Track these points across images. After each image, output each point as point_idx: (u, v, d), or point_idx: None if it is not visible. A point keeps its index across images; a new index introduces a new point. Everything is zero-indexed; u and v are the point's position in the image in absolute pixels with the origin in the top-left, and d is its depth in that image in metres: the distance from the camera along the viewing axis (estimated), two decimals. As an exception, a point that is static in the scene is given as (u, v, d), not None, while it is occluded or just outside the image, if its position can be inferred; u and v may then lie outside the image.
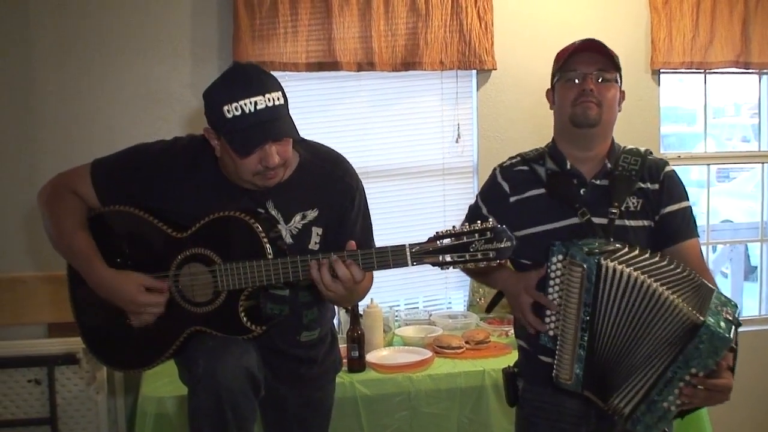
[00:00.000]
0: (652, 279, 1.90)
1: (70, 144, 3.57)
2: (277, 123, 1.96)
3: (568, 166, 2.20)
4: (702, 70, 4.28)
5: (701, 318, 1.83)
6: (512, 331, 3.44)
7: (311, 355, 2.33)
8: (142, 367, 2.24)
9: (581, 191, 2.18)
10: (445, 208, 4.02)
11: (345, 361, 3.01)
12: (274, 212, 2.13)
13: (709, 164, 4.55)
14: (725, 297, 2.00)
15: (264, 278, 1.98)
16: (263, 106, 1.93)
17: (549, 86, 2.28)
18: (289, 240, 2.13)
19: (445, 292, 4.13)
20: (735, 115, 7.28)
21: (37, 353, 3.26)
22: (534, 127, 3.94)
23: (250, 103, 1.92)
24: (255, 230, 2.00)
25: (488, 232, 1.82)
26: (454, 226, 1.87)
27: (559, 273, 2.02)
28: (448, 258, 1.85)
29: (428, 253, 1.87)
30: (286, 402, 2.35)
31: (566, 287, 1.99)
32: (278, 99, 1.97)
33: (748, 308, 5.60)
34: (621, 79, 2.21)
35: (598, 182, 2.18)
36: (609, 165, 2.19)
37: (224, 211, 2.04)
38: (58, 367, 3.25)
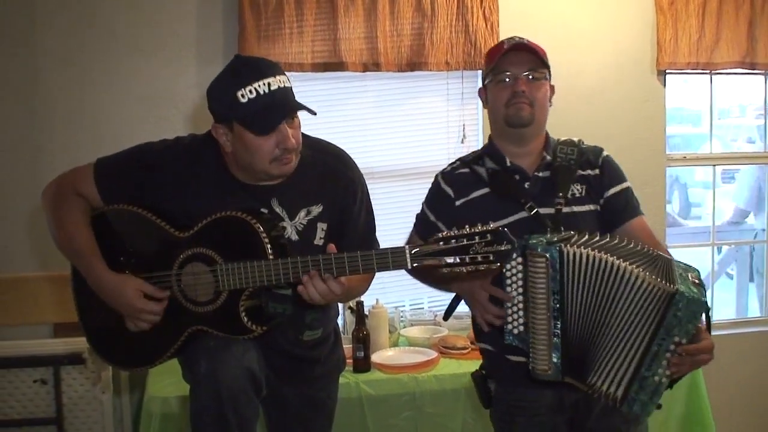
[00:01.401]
0: (613, 256, 1.93)
1: (75, 144, 3.57)
2: (291, 101, 2.01)
3: (508, 163, 2.25)
4: (708, 71, 4.27)
5: (674, 287, 1.85)
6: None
7: (314, 355, 2.33)
8: (144, 366, 2.25)
9: (525, 185, 2.22)
10: (451, 208, 4.01)
11: (350, 361, 3.02)
12: (278, 209, 2.13)
13: (714, 165, 4.55)
14: (684, 264, 2.03)
15: (264, 278, 1.98)
16: (276, 87, 1.97)
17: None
18: (294, 236, 2.14)
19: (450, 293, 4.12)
20: (740, 116, 7.27)
21: (43, 353, 3.26)
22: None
23: (264, 84, 1.96)
24: (256, 230, 2.00)
25: (488, 235, 1.82)
26: (454, 229, 1.87)
27: (515, 270, 2.03)
28: (448, 260, 1.86)
29: (428, 255, 1.87)
30: (289, 402, 2.35)
31: (531, 280, 2.00)
32: (287, 82, 2.02)
33: (753, 310, 5.59)
34: (550, 75, 2.26)
35: (540, 174, 2.23)
36: (548, 157, 2.24)
37: (226, 210, 2.05)
38: (63, 367, 3.25)
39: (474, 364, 3.15)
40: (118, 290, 2.07)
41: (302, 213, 2.16)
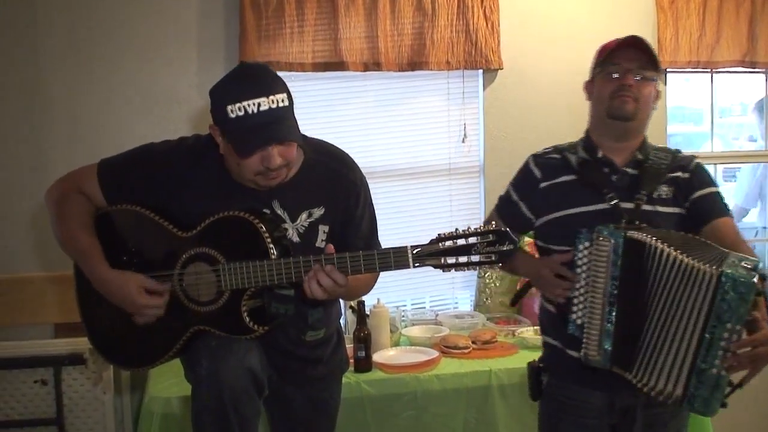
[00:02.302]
0: (679, 251, 1.92)
1: (77, 145, 3.57)
2: (279, 125, 1.96)
3: (600, 155, 2.24)
4: (708, 70, 4.27)
5: (718, 269, 1.83)
6: (519, 330, 3.49)
7: (317, 355, 2.33)
8: (147, 366, 2.25)
9: (612, 178, 2.22)
10: (452, 208, 4.02)
11: (351, 361, 3.01)
12: (280, 211, 2.13)
13: (716, 164, 4.55)
14: (744, 256, 1.98)
15: (267, 278, 1.98)
16: (266, 107, 1.93)
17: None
18: (296, 238, 2.13)
19: (451, 292, 4.12)
20: (741, 114, 7.25)
21: (44, 354, 3.25)
22: (541, 125, 3.93)
23: (254, 104, 1.92)
24: (259, 230, 2.00)
25: (491, 235, 1.82)
26: (456, 228, 1.86)
27: (585, 260, 2.05)
28: (450, 260, 1.85)
29: (430, 255, 1.87)
30: (292, 402, 2.35)
31: (594, 263, 2.02)
32: (282, 101, 1.97)
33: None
34: (658, 79, 2.25)
35: (629, 170, 2.23)
36: (640, 156, 2.23)
37: (229, 210, 2.05)
38: (64, 367, 3.24)
39: (476, 364, 3.18)
40: (120, 287, 2.07)
41: (304, 215, 2.15)
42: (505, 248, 1.81)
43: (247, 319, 2.03)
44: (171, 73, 3.69)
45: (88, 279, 2.14)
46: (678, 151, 2.29)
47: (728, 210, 2.23)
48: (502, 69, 3.92)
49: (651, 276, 1.97)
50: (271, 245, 1.99)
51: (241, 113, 1.92)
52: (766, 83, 4.50)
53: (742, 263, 1.88)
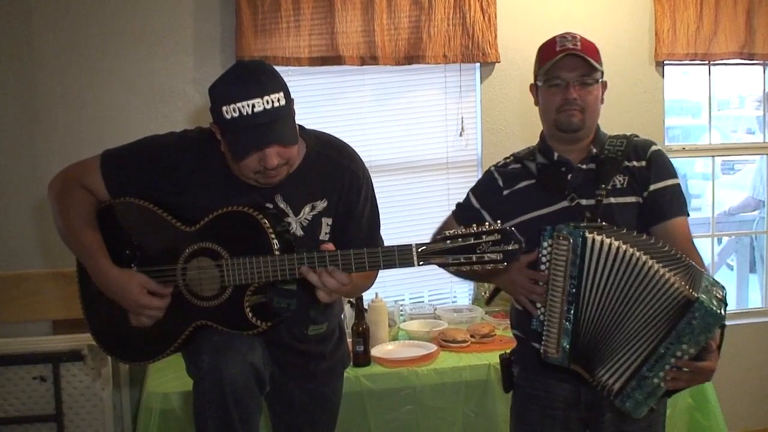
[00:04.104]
0: (642, 252, 1.92)
1: (75, 141, 3.58)
2: (274, 127, 1.94)
3: (555, 157, 2.26)
4: (706, 62, 4.27)
5: (695, 294, 1.84)
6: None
7: (319, 350, 2.33)
8: (148, 360, 2.24)
9: (569, 177, 2.23)
10: (449, 201, 4.01)
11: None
12: (283, 205, 2.12)
13: (713, 156, 4.55)
14: (713, 279, 2.02)
15: (270, 274, 1.97)
16: (261, 108, 1.91)
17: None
18: (299, 232, 2.13)
19: (450, 286, 4.13)
20: (739, 107, 7.25)
21: (43, 350, 3.25)
22: (538, 119, 3.92)
23: (248, 105, 1.90)
24: (263, 225, 1.99)
25: (496, 234, 1.81)
26: (462, 227, 1.86)
27: (549, 257, 2.05)
28: (454, 259, 1.85)
29: (435, 253, 1.85)
30: (294, 397, 2.35)
31: (554, 261, 2.02)
32: (278, 100, 1.94)
33: (754, 301, 5.59)
34: (602, 73, 2.23)
35: (584, 167, 2.24)
36: (594, 150, 2.24)
37: (232, 205, 2.04)
38: (63, 363, 3.24)
39: (474, 357, 3.19)
40: (122, 286, 2.07)
41: (307, 208, 2.15)
42: (510, 248, 1.81)
43: (250, 315, 2.03)
44: (167, 69, 3.69)
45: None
46: (635, 136, 2.28)
47: (685, 208, 2.22)
48: (499, 62, 3.92)
49: (613, 277, 1.95)
50: (275, 240, 1.98)
51: (236, 114, 1.90)
52: (764, 75, 4.49)
53: (714, 291, 1.92)
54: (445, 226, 2.39)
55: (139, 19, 3.65)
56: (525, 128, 3.92)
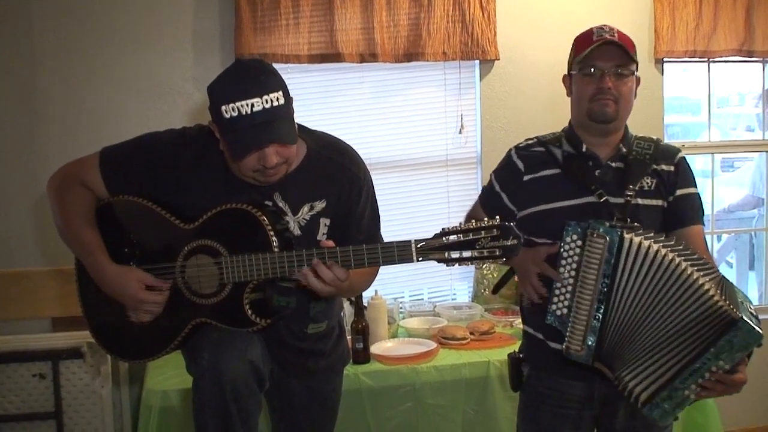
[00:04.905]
0: (682, 258, 1.93)
1: (75, 138, 3.57)
2: (273, 126, 1.93)
3: (584, 149, 2.24)
4: (706, 59, 4.26)
5: (738, 314, 1.84)
6: (517, 321, 3.48)
7: (319, 348, 2.33)
8: (148, 358, 2.24)
9: (596, 172, 2.21)
10: (449, 199, 4.02)
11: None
12: (281, 204, 2.12)
13: (713, 153, 4.54)
14: (741, 290, 2.03)
15: (269, 271, 1.97)
16: (260, 108, 1.90)
17: (558, 74, 2.30)
18: (297, 231, 2.13)
19: (449, 284, 4.13)
20: (739, 104, 7.25)
21: (42, 348, 3.26)
22: (538, 116, 3.93)
23: (247, 105, 1.89)
24: (262, 223, 1.99)
25: (495, 230, 1.81)
26: (460, 223, 1.86)
27: (572, 252, 2.05)
28: (453, 255, 1.85)
29: (434, 249, 1.86)
30: (294, 395, 2.35)
31: (586, 258, 2.02)
32: (277, 99, 1.93)
33: (753, 298, 5.59)
34: (637, 66, 2.24)
35: (613, 164, 2.22)
36: (623, 149, 2.23)
37: (232, 203, 2.04)
38: (62, 361, 3.25)
39: (474, 355, 3.18)
40: (120, 282, 2.07)
41: (305, 208, 2.14)
42: (509, 243, 1.81)
43: (249, 311, 2.03)
44: (166, 66, 3.69)
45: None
46: (659, 140, 2.29)
47: (703, 216, 2.25)
48: (498, 60, 3.92)
49: (648, 279, 1.96)
50: (274, 237, 1.98)
51: (235, 114, 1.90)
52: (763, 72, 4.49)
53: (748, 307, 1.94)
54: (472, 212, 2.41)
55: (139, 15, 3.65)
56: (525, 125, 3.91)
